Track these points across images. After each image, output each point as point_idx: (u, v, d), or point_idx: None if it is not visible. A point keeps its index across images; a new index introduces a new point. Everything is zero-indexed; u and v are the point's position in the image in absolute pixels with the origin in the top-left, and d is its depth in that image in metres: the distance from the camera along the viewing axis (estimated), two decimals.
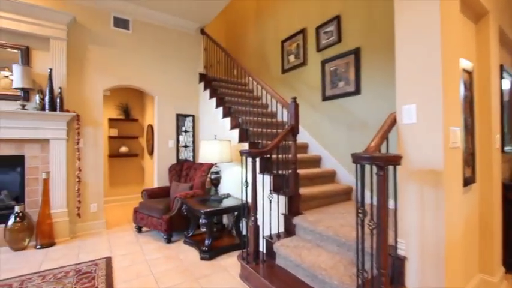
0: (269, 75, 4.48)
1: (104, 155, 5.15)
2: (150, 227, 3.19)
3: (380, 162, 1.21)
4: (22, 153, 3.09)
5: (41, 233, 2.95)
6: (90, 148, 3.49)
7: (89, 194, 3.48)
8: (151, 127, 4.67)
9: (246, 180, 2.32)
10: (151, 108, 4.86)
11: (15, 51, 3.07)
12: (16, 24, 3.03)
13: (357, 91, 3.06)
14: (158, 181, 4.00)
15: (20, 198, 3.10)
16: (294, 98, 2.49)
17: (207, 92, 4.06)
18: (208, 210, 2.65)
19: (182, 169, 3.96)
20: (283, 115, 3.80)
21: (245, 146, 3.05)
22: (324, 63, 3.48)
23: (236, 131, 3.23)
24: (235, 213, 2.91)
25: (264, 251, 2.33)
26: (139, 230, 3.43)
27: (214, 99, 3.83)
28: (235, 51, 5.35)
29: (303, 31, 3.85)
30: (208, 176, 3.40)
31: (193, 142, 4.34)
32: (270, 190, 2.43)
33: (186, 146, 4.27)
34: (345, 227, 2.01)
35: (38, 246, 2.92)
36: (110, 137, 5.13)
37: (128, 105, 5.33)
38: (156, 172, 4.04)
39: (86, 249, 2.89)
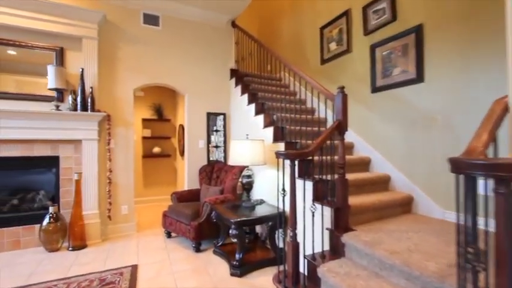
0: (307, 67, 4.04)
1: (137, 156, 5.21)
2: (179, 233, 2.99)
3: (507, 173, 0.75)
4: (57, 154, 3.10)
5: (73, 235, 2.91)
6: (121, 149, 3.42)
7: (120, 195, 3.41)
8: (182, 127, 4.55)
9: (284, 189, 1.94)
10: (183, 108, 4.73)
11: (50, 52, 3.09)
12: (53, 26, 3.04)
13: (419, 78, 2.49)
14: (188, 183, 3.82)
15: (55, 199, 3.12)
16: (341, 88, 2.05)
17: (239, 88, 3.77)
18: (239, 220, 2.34)
19: (213, 171, 3.72)
20: (325, 112, 3.34)
21: (280, 147, 2.67)
22: (373, 47, 2.95)
23: (270, 130, 2.88)
24: (270, 223, 2.56)
25: (305, 273, 1.94)
26: (168, 235, 3.27)
27: (245, 96, 3.53)
28: (268, 44, 5.00)
29: (346, 13, 3.35)
30: (240, 179, 3.09)
31: (225, 142, 4.09)
32: (312, 200, 2.02)
33: (217, 146, 4.03)
34: (415, 254, 1.52)
35: (70, 248, 2.89)
36: (144, 138, 5.14)
37: (161, 105, 5.30)
38: (186, 174, 3.87)
39: (114, 254, 2.78)
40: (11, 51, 2.94)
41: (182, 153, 4.58)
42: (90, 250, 2.90)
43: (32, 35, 3.02)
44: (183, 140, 4.47)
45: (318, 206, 2.07)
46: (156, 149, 5.17)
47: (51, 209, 2.88)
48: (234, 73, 4.06)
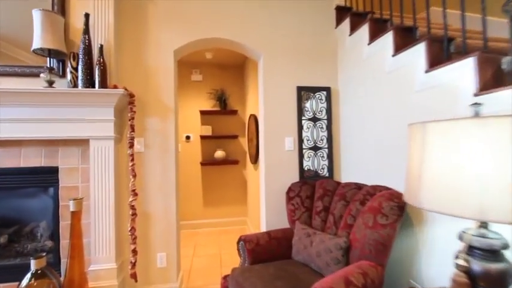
0: None
1: (194, 163, 3.91)
2: None
3: None
4: (55, 164, 1.88)
5: None
6: (155, 154, 2.02)
7: (154, 236, 2.00)
8: (255, 118, 2.97)
9: None
10: (255, 92, 3.14)
11: None
12: None
13: None
14: (267, 212, 2.16)
15: (54, 237, 1.91)
16: None
17: (361, 32, 1.93)
18: None
19: (313, 195, 1.96)
20: None
21: None
22: None
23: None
24: None
25: None
26: None
27: (386, 37, 1.65)
28: None
29: None
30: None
31: (330, 140, 2.28)
32: None
33: (315, 148, 2.26)
34: None
35: None
36: (202, 137, 3.79)
37: (224, 92, 3.88)
38: (263, 196, 2.22)
39: None
40: None
41: (255, 159, 2.98)
42: None
43: None
44: (256, 138, 2.86)
45: None
46: (219, 153, 3.75)
47: (33, 264, 1.63)
48: (344, 13, 2.22)
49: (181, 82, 3.87)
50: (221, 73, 3.98)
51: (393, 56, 1.62)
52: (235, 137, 3.87)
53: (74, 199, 1.68)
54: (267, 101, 2.21)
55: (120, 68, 2.01)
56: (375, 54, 1.80)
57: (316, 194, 1.95)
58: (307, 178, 2.22)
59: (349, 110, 2.16)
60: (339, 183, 1.93)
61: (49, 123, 1.79)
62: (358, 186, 1.75)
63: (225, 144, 3.95)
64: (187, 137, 3.87)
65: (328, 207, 1.83)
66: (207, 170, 3.92)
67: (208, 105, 3.93)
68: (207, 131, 3.78)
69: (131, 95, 1.90)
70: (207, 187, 3.92)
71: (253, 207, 3.42)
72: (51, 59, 1.84)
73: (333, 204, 1.80)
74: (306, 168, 2.24)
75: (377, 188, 1.59)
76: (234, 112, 3.86)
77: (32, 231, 2.03)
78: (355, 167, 2.06)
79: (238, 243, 1.82)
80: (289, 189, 2.04)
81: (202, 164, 3.80)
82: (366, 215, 1.43)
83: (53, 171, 1.88)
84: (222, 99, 3.83)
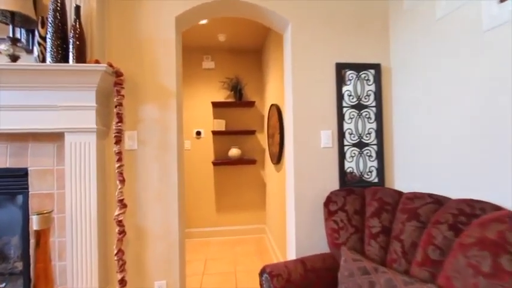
0: None
1: (205, 162, 3.45)
2: None
3: None
4: (24, 165, 1.46)
5: None
6: (151, 151, 1.56)
7: (150, 259, 1.54)
8: (276, 109, 2.45)
9: None
10: (278, 77, 2.64)
11: None
12: None
13: None
14: (297, 230, 1.65)
15: (24, 257, 1.50)
16: None
17: None
18: None
19: (364, 209, 1.42)
20: None
21: None
22: None
23: None
24: None
25: None
26: None
27: None
28: None
29: None
30: None
31: (379, 133, 1.73)
32: None
33: (360, 145, 1.72)
34: None
35: None
36: (215, 133, 3.33)
37: (240, 80, 3.38)
38: (291, 208, 1.72)
39: None
40: None
41: (278, 159, 2.46)
42: None
43: None
44: (279, 133, 2.35)
45: None
46: (234, 151, 3.27)
47: None
48: None
49: (191, 70, 3.43)
50: (236, 59, 3.50)
51: (502, 1, 1.06)
52: (252, 132, 3.38)
53: (39, 213, 1.24)
54: (296, 84, 1.69)
55: (107, 39, 1.56)
56: (461, 8, 1.24)
57: (368, 207, 1.42)
58: (351, 184, 1.68)
59: (409, 93, 1.60)
60: (400, 194, 1.39)
61: (14, 111, 1.37)
62: (436, 200, 1.20)
63: (241, 141, 3.47)
64: (198, 133, 3.42)
65: (389, 228, 1.30)
66: (220, 171, 3.46)
67: (222, 96, 3.45)
68: (220, 125, 3.31)
69: (118, 73, 1.44)
70: (220, 190, 3.46)
71: (273, 214, 2.92)
72: (17, 28, 1.42)
73: (397, 224, 1.26)
74: (348, 171, 1.71)
75: (474, 205, 1.04)
76: (250, 104, 3.36)
77: (4, 248, 1.64)
78: (419, 170, 1.50)
79: (261, 274, 1.33)
80: (329, 200, 1.52)
81: (214, 163, 3.34)
82: (472, 251, 0.89)
83: (21, 174, 1.46)
84: (237, 89, 3.34)
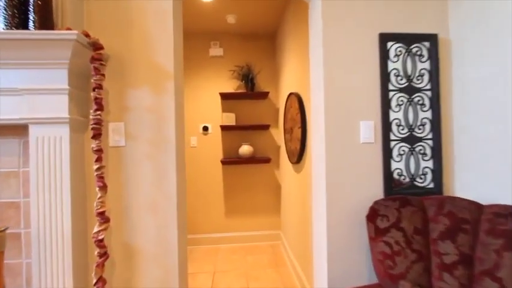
0: None
1: (213, 160, 3.12)
2: None
3: None
4: None
5: None
6: (142, 148, 1.22)
7: (143, 287, 1.21)
8: (297, 98, 2.07)
9: None
10: (298, 59, 2.27)
11: None
12: None
13: None
14: (330, 252, 1.28)
15: None
16: None
17: None
18: None
19: (427, 225, 1.04)
20: None
21: None
22: None
23: None
24: None
25: None
26: None
27: None
28: None
29: None
30: None
31: (436, 125, 1.34)
32: None
33: (411, 139, 1.33)
34: None
35: None
36: (224, 128, 2.98)
37: (251, 69, 3.02)
38: (320, 222, 1.36)
39: None
40: None
41: (298, 158, 2.09)
42: None
43: None
44: (301, 126, 1.97)
45: None
46: (245, 149, 2.92)
47: None
48: None
49: (197, 58, 3.09)
50: (247, 45, 3.13)
51: None
52: (265, 127, 3.02)
53: None
54: (328, 63, 1.31)
55: (85, 6, 1.22)
56: None
57: (433, 225, 1.04)
58: (399, 191, 1.30)
59: (478, 72, 1.20)
60: (479, 207, 1.01)
61: None
62: None
63: (253, 137, 3.11)
64: (205, 128, 3.08)
65: (470, 257, 0.92)
66: (229, 170, 3.12)
67: (231, 86, 3.10)
68: (230, 119, 2.96)
69: (96, 46, 1.10)
70: (230, 192, 3.12)
71: (289, 219, 2.56)
72: None
73: (485, 252, 0.88)
74: (395, 174, 1.32)
75: None
76: (264, 95, 3.00)
77: None
78: (494, 173, 1.11)
79: None
80: (375, 213, 1.15)
81: (223, 162, 3.00)
82: None
83: None
84: (248, 79, 2.98)
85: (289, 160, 2.40)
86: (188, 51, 3.05)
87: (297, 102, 2.01)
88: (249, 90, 2.98)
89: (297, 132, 2.05)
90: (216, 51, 3.10)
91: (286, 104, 2.48)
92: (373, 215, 1.15)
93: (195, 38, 3.06)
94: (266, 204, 3.15)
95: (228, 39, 3.11)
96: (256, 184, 3.14)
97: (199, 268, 2.56)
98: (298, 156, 2.04)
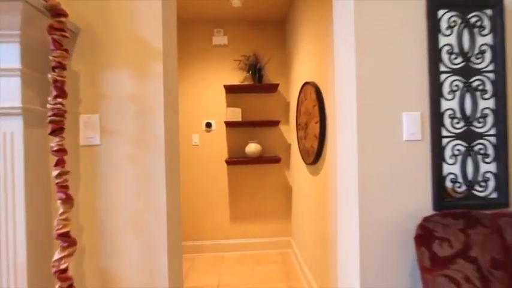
0: None
1: (217, 160, 2.85)
2: None
3: None
4: None
5: None
6: (122, 150, 0.95)
7: None
8: (314, 88, 1.78)
9: None
10: (312, 49, 1.97)
11: None
12: None
13: None
14: (364, 281, 0.98)
15: None
16: None
17: None
18: None
19: (508, 256, 0.73)
20: None
21: None
22: None
23: None
24: None
25: None
26: None
27: None
28: None
29: None
30: None
31: (501, 117, 1.03)
32: None
33: (468, 136, 1.03)
34: None
35: None
36: (228, 124, 2.71)
37: (259, 59, 2.73)
38: (353, 244, 1.07)
39: None
40: None
41: (315, 157, 1.79)
42: None
43: None
44: (318, 121, 1.67)
45: None
46: (253, 147, 2.64)
47: None
48: None
49: (199, 48, 2.82)
50: (254, 33, 2.84)
51: None
52: (275, 123, 2.73)
53: None
54: (360, 38, 1.02)
55: None
56: None
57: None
58: (454, 202, 1.01)
59: None
60: None
61: None
62: None
63: (261, 135, 2.83)
64: (208, 125, 2.82)
65: None
66: (235, 171, 2.85)
67: (237, 78, 2.82)
68: (235, 115, 2.68)
69: (56, 11, 0.82)
70: (236, 195, 2.85)
71: (302, 225, 2.28)
72: None
73: None
74: (448, 180, 1.03)
75: None
76: (273, 87, 2.71)
77: None
78: None
79: None
80: (429, 234, 0.86)
81: (228, 162, 2.73)
82: None
83: None
84: (255, 69, 2.70)
85: (304, 160, 2.11)
86: (189, 40, 2.78)
87: (314, 92, 1.72)
88: (257, 82, 2.70)
89: (314, 128, 1.76)
90: (219, 39, 2.82)
91: (299, 96, 2.18)
92: (427, 236, 0.86)
93: (196, 26, 2.79)
94: (275, 208, 2.87)
95: (233, 26, 2.83)
96: (265, 186, 2.86)
97: (202, 280, 2.31)
98: (315, 156, 1.75)
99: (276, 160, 2.70)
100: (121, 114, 0.96)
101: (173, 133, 1.07)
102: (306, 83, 1.95)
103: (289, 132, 2.82)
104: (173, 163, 1.05)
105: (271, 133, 2.85)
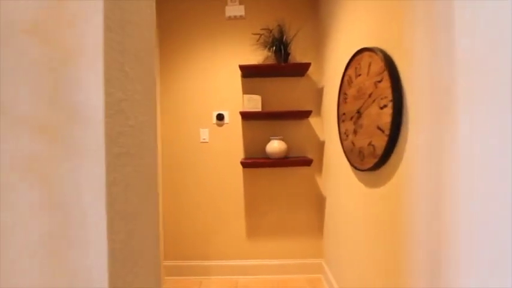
0: None
1: (232, 162, 2.27)
2: None
3: None
4: None
5: None
6: (18, 145, 0.38)
7: None
8: (379, 57, 1.19)
9: None
10: (363, 11, 1.35)
11: None
12: None
13: None
14: None
15: None
16: None
17: None
18: None
19: None
20: None
21: None
22: None
23: None
24: None
25: None
26: None
27: None
28: None
29: None
30: None
31: None
32: None
33: None
34: None
35: None
36: (245, 116, 2.15)
37: (283, 31, 2.15)
38: None
39: None
40: None
41: (379, 161, 1.19)
42: None
43: None
44: (392, 106, 1.07)
45: None
46: (276, 145, 2.08)
47: None
48: None
49: (209, 22, 2.28)
50: (277, 1, 2.26)
51: None
52: (304, 114, 2.15)
53: None
54: None
55: None
56: None
57: None
58: None
59: None
60: None
61: None
62: None
63: (286, 129, 2.26)
64: (220, 117, 2.28)
65: None
66: (252, 175, 2.29)
67: (256, 57, 2.26)
68: (254, 104, 2.12)
69: None
70: (253, 205, 2.30)
71: (339, 245, 1.69)
72: None
73: None
74: None
75: None
76: (302, 68, 2.12)
77: None
78: None
79: None
80: None
81: (244, 164, 2.17)
82: None
83: None
84: (280, 46, 2.12)
85: (352, 164, 1.51)
86: (196, 14, 2.24)
87: (381, 61, 1.12)
88: (282, 61, 2.12)
89: (378, 116, 1.16)
90: (234, 10, 2.26)
91: (345, 73, 1.58)
92: None
93: None
94: (303, 223, 2.29)
95: None
96: (290, 195, 2.29)
97: None
98: (378, 158, 1.15)
99: (305, 162, 2.11)
100: (9, 66, 0.41)
101: (122, 106, 0.51)
102: (361, 50, 1.34)
103: (323, 126, 2.23)
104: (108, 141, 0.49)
105: (299, 127, 2.27)
